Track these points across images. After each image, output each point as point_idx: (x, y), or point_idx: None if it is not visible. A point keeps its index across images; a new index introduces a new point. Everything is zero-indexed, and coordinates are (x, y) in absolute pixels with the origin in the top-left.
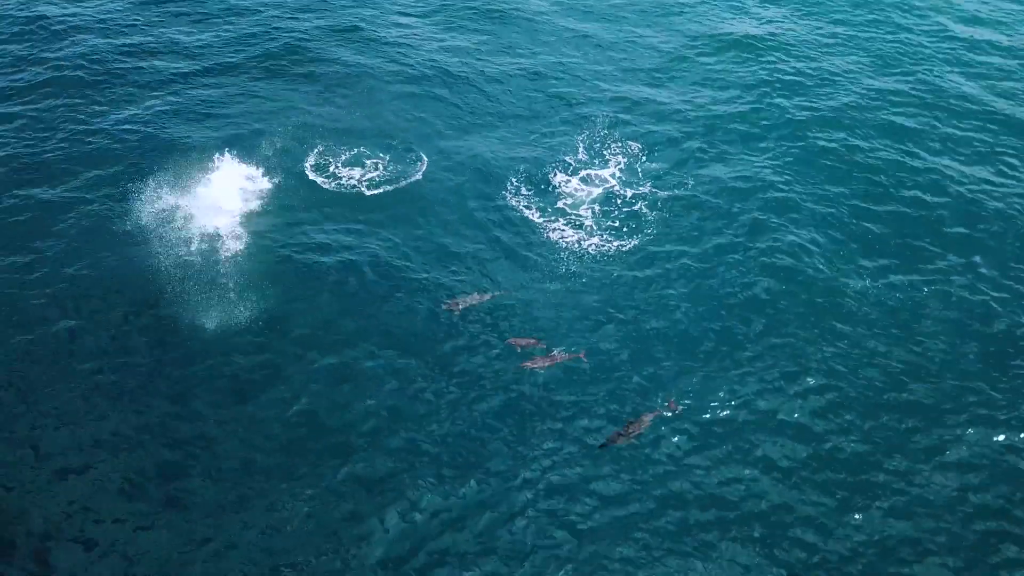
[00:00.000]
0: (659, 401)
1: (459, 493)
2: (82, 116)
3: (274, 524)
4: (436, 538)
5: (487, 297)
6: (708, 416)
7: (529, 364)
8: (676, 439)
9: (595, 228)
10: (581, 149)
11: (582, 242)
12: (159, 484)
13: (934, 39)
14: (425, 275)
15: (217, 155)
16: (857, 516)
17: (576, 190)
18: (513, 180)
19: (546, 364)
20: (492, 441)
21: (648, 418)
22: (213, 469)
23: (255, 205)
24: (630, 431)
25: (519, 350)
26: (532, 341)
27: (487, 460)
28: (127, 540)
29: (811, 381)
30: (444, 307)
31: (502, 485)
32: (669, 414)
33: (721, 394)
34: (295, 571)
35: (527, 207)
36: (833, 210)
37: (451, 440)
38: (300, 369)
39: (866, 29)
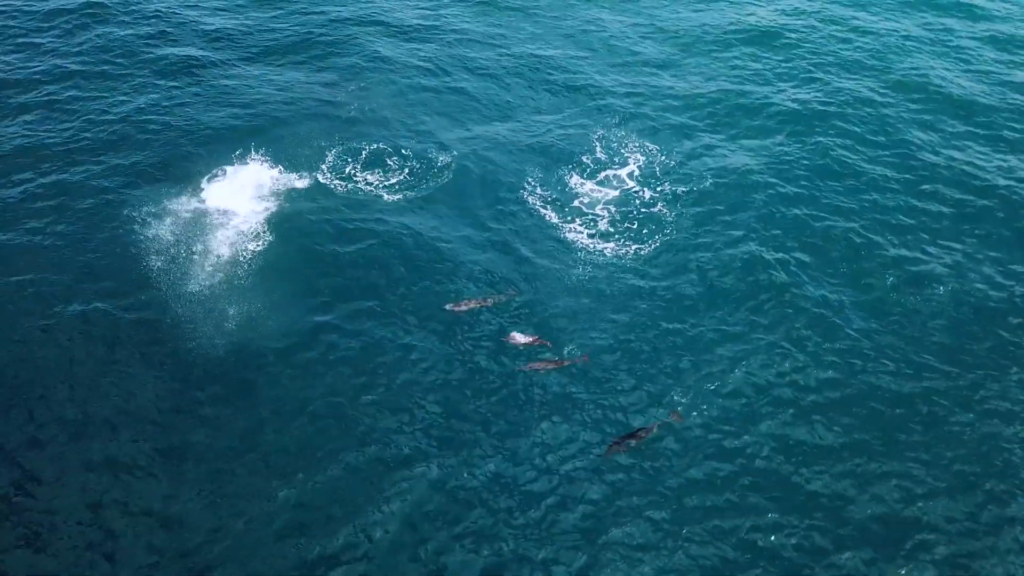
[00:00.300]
0: (670, 403)
1: (479, 479)
2: (102, 106)
3: (301, 504)
4: (456, 523)
5: (490, 301)
6: (725, 411)
7: (532, 366)
8: (695, 433)
9: (611, 228)
10: (599, 147)
11: (598, 243)
12: (185, 465)
13: (956, 35)
14: (442, 271)
15: (237, 145)
16: (873, 509)
17: (593, 190)
18: (530, 179)
19: (549, 367)
20: (513, 432)
21: (652, 428)
22: (240, 451)
23: (273, 197)
24: (632, 440)
25: (521, 348)
26: (533, 339)
27: (507, 449)
28: (156, 521)
29: (828, 375)
30: (448, 308)
31: (522, 473)
32: (670, 420)
33: (736, 389)
34: (319, 548)
35: (543, 206)
36: (854, 206)
37: (473, 430)
38: (321, 357)
39: (885, 22)
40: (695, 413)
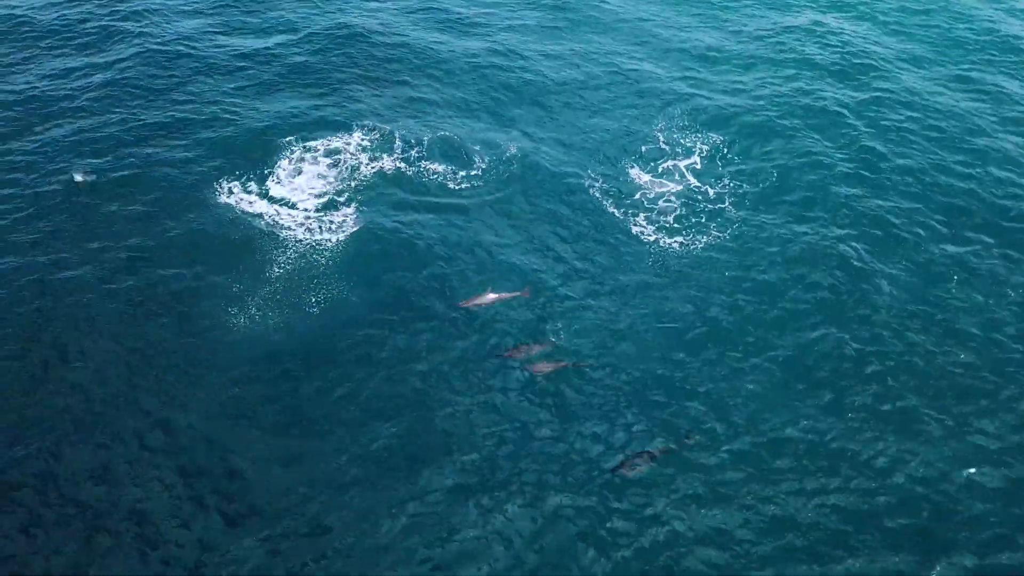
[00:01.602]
0: (690, 425)
1: (524, 478)
2: (156, 95)
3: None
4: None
5: (503, 296)
6: (781, 435)
7: (532, 369)
8: (752, 458)
9: (677, 224)
10: (661, 140)
11: (660, 240)
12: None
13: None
14: (498, 263)
15: (298, 138)
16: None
17: (655, 184)
18: (591, 172)
19: (548, 369)
20: (557, 434)
21: (660, 451)
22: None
23: (337, 190)
24: (642, 460)
25: (519, 356)
26: (528, 347)
27: (560, 454)
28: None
29: (904, 404)
30: (461, 304)
31: (565, 478)
32: (688, 441)
33: (782, 410)
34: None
35: (605, 200)
36: (928, 196)
37: (517, 429)
38: (394, 342)
39: (945, 19)
40: (753, 442)
